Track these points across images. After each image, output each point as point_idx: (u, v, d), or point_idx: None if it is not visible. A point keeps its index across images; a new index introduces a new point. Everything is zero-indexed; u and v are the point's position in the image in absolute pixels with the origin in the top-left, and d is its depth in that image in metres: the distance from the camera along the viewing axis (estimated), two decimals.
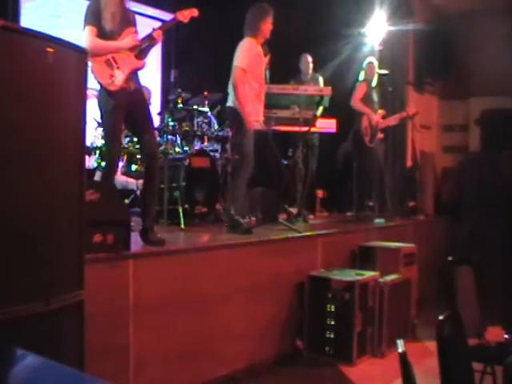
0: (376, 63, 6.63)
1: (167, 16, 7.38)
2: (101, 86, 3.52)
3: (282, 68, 5.97)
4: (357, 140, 6.49)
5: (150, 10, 7.21)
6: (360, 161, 6.56)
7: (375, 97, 6.58)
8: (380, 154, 6.63)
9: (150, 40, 3.66)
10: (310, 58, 6.70)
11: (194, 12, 3.75)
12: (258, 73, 4.71)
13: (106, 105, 3.52)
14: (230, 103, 4.76)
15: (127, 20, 3.64)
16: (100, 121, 3.65)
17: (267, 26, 4.72)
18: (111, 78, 3.48)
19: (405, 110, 6.79)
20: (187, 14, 3.73)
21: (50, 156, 2.17)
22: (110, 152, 3.72)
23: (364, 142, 6.40)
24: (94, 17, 3.49)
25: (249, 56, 4.64)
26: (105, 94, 3.51)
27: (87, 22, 3.49)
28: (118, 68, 3.52)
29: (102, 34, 3.51)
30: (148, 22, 6.51)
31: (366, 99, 6.45)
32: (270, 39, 5.03)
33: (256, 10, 4.74)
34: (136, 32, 3.66)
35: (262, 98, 4.81)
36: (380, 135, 6.58)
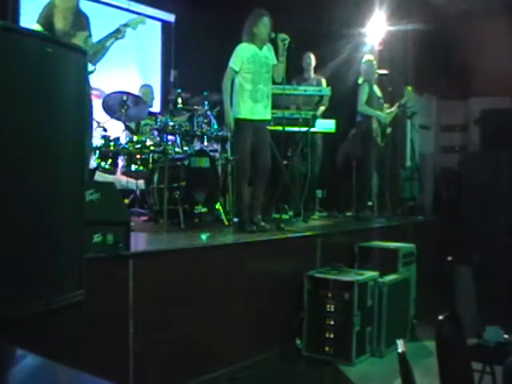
0: (373, 59, 6.61)
1: (167, 16, 7.41)
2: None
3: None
4: (366, 140, 6.45)
5: (150, 10, 7.21)
6: (367, 161, 6.50)
7: (378, 93, 6.57)
8: (388, 153, 6.65)
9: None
10: (312, 56, 6.69)
11: (142, 20, 3.97)
12: (253, 73, 4.76)
13: None
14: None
15: (80, 23, 3.75)
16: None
17: (262, 30, 4.81)
18: None
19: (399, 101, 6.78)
20: (135, 23, 3.90)
21: (49, 156, 2.17)
22: None
23: (374, 143, 6.39)
24: (45, 19, 3.63)
25: (239, 58, 4.76)
26: None
27: (37, 20, 3.64)
28: None
29: (53, 33, 3.59)
30: (148, 22, 6.51)
31: (371, 99, 6.44)
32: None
33: (250, 16, 4.87)
34: (90, 36, 3.76)
35: (263, 99, 4.82)
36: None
